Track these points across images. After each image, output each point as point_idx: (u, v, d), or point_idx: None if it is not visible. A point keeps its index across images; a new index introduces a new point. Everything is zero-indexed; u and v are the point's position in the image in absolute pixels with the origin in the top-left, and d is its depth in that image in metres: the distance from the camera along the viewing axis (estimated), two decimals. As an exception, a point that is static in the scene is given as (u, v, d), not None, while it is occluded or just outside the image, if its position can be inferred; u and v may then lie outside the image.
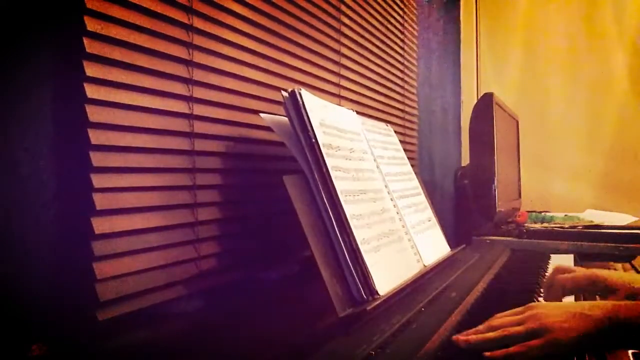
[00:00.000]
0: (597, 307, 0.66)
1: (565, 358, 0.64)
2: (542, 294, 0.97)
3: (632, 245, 1.53)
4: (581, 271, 0.86)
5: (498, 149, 1.63)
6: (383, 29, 1.54)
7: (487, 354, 0.63)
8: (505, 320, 0.69)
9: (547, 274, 1.18)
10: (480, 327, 0.70)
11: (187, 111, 0.79)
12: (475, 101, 1.75)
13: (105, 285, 0.64)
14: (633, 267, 1.54)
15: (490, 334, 0.66)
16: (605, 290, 0.83)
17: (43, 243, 0.60)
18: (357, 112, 1.05)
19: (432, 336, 0.69)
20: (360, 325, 0.70)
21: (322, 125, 0.83)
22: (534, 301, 0.89)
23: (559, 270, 0.89)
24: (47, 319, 0.60)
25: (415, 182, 1.18)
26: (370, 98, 1.45)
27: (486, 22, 2.69)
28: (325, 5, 1.17)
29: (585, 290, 0.88)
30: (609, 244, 1.55)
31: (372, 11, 1.46)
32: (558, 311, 0.66)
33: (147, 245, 0.71)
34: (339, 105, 1.13)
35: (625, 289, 0.81)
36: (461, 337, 0.68)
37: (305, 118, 0.80)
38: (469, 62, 2.64)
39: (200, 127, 0.81)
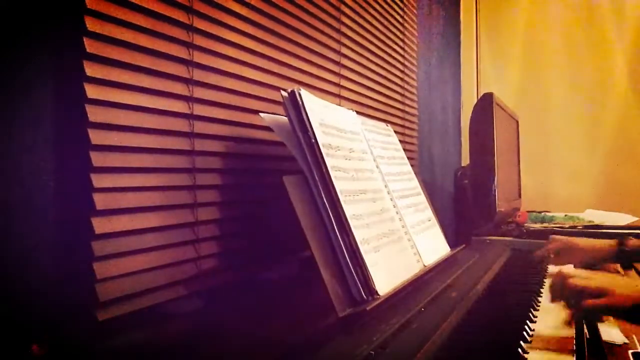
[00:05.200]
0: None
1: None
2: (541, 294, 0.98)
3: (632, 245, 1.53)
4: (564, 239, 1.31)
5: (498, 148, 1.63)
6: (383, 29, 1.54)
7: (589, 302, 0.76)
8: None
9: (547, 273, 1.19)
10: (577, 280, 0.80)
11: (187, 111, 0.79)
12: (475, 101, 1.75)
13: (105, 285, 0.64)
14: (634, 268, 1.53)
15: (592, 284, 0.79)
16: (574, 249, 1.24)
17: (43, 243, 0.60)
18: (357, 112, 1.05)
19: (432, 336, 0.69)
20: (360, 325, 0.70)
21: (321, 125, 0.83)
22: (534, 301, 0.91)
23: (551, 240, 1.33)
24: (47, 319, 0.60)
25: (415, 182, 1.18)
26: (370, 98, 1.45)
27: (486, 22, 2.69)
28: (325, 5, 1.17)
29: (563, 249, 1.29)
30: (609, 244, 1.55)
31: (372, 11, 1.46)
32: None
33: (147, 246, 0.71)
34: (339, 105, 1.13)
35: (586, 250, 1.21)
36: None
37: (305, 118, 0.80)
38: (469, 62, 2.64)
39: (200, 127, 0.81)
